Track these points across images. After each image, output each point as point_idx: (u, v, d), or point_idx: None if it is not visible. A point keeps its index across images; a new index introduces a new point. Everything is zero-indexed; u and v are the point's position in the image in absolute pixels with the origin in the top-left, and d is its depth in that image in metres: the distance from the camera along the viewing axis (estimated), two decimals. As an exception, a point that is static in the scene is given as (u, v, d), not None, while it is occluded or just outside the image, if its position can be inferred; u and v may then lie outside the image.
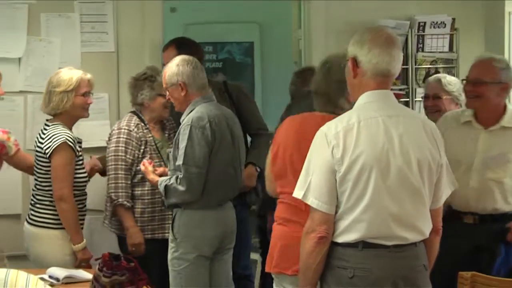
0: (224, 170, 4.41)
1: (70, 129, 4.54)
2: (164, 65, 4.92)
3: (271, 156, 3.74)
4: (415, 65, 5.66)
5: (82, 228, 4.58)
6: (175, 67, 4.41)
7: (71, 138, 4.44)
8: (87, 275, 4.03)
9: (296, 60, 6.65)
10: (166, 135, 4.89)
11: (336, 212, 3.14)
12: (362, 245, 3.11)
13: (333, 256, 3.16)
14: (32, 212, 4.55)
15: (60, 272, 4.05)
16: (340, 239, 3.14)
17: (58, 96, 4.46)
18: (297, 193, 3.19)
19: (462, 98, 4.53)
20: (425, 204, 3.13)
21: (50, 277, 4.02)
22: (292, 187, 3.34)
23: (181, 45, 5.11)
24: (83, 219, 4.62)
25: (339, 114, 3.31)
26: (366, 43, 3.19)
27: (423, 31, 5.64)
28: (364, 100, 3.20)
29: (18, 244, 4.70)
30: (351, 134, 3.10)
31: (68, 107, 4.47)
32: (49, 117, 4.59)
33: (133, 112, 4.82)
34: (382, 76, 3.17)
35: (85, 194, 4.62)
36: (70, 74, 4.51)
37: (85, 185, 4.60)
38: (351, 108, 3.31)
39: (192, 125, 4.31)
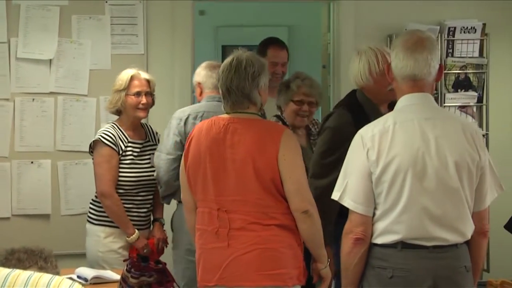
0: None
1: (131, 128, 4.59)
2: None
3: (183, 163, 3.66)
4: (445, 70, 5.62)
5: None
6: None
7: (108, 136, 4.47)
8: (115, 275, 4.06)
9: (324, 63, 6.63)
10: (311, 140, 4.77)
11: (374, 214, 3.15)
12: (401, 245, 3.11)
13: (372, 256, 3.18)
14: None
15: (88, 272, 4.08)
16: (379, 241, 3.15)
17: None
18: (334, 195, 3.22)
19: None
20: (465, 206, 3.11)
21: (79, 277, 4.05)
22: (205, 193, 3.49)
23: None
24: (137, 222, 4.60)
25: (251, 112, 3.52)
26: (395, 48, 3.23)
27: (453, 36, 5.61)
28: (402, 103, 3.22)
29: (48, 244, 4.73)
30: (386, 136, 3.12)
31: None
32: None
33: (277, 117, 4.76)
34: (411, 80, 3.19)
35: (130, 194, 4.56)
36: None
37: (133, 185, 4.54)
38: (261, 102, 3.54)
39: (173, 116, 4.45)
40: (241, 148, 3.46)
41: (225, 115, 3.59)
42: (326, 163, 3.80)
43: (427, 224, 3.08)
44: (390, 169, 3.09)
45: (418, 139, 3.09)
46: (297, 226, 3.47)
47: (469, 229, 3.14)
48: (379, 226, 3.14)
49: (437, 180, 3.07)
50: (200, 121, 4.31)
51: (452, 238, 3.10)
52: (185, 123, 4.41)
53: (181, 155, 4.38)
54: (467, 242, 3.17)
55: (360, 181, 3.15)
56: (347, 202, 3.17)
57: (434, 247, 3.08)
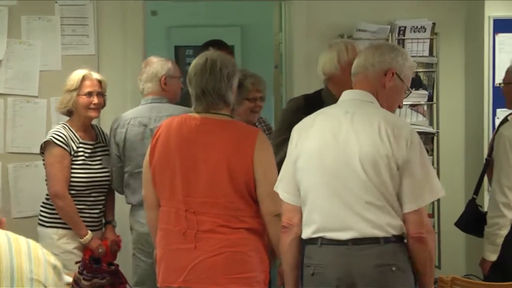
0: (138, 171, 4.45)
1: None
2: None
3: (148, 160, 3.62)
4: (396, 69, 5.66)
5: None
6: None
7: (60, 137, 4.44)
8: (67, 278, 4.01)
9: (277, 63, 6.65)
10: None
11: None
12: (320, 241, 3.14)
13: (303, 254, 3.22)
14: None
15: (40, 276, 4.03)
16: (304, 235, 3.21)
17: None
18: (275, 185, 3.31)
19: None
20: (381, 200, 3.07)
21: (30, 280, 4.00)
22: (172, 193, 3.47)
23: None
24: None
25: (224, 114, 3.51)
26: None
27: (404, 36, 5.66)
28: (340, 99, 3.33)
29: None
30: (307, 126, 3.25)
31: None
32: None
33: None
34: (353, 77, 3.33)
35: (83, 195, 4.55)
36: None
37: (85, 185, 4.53)
38: (233, 103, 3.58)
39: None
40: (215, 150, 3.45)
41: (196, 115, 3.55)
42: (275, 144, 3.92)
43: (339, 212, 3.10)
44: (302, 158, 3.19)
45: (331, 130, 3.16)
46: (267, 229, 3.48)
47: (392, 225, 3.09)
48: (303, 217, 3.21)
49: (344, 170, 3.10)
50: (126, 128, 4.45)
51: (368, 230, 3.08)
52: (114, 134, 4.51)
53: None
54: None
55: (288, 170, 3.27)
56: (279, 192, 3.28)
57: (354, 242, 3.08)
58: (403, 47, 5.66)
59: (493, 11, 5.71)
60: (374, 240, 3.08)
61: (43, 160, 4.53)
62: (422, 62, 5.70)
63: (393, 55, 3.26)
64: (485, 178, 4.77)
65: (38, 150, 4.58)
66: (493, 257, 4.34)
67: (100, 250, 4.47)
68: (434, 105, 5.77)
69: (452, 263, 5.59)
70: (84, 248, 4.49)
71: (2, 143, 5.27)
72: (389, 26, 5.65)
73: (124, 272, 4.08)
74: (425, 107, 5.75)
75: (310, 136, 3.20)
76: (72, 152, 4.47)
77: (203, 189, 3.45)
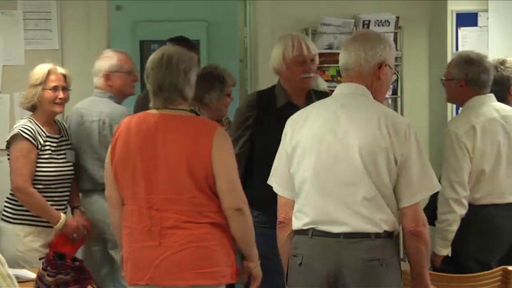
0: (78, 161, 4.67)
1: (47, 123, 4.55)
2: None
3: (109, 159, 3.57)
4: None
5: None
6: None
7: (28, 130, 4.41)
8: (31, 274, 3.99)
9: (242, 58, 6.66)
10: None
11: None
12: (312, 232, 3.15)
13: (291, 245, 3.24)
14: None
15: (3, 272, 4.01)
16: (294, 226, 3.21)
17: None
18: (268, 179, 3.34)
19: None
20: (376, 194, 3.10)
21: (-7, 277, 3.98)
22: (134, 191, 3.46)
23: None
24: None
25: (183, 109, 3.49)
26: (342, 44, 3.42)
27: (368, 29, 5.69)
28: (335, 92, 3.34)
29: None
30: (302, 119, 3.24)
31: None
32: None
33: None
34: (344, 70, 3.29)
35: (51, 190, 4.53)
36: None
37: (52, 180, 4.50)
38: (191, 97, 3.55)
39: None
40: (174, 146, 3.43)
41: (155, 111, 3.53)
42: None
43: (333, 207, 3.11)
44: (297, 150, 3.20)
45: (328, 122, 3.17)
46: (229, 224, 3.47)
47: (385, 220, 3.12)
48: (294, 209, 3.22)
49: (340, 165, 3.11)
50: (71, 118, 4.71)
51: (361, 225, 3.10)
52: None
53: None
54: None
55: (281, 163, 3.28)
56: (273, 185, 3.30)
57: (345, 236, 3.10)
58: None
59: (456, 5, 5.77)
60: (365, 235, 3.10)
61: (8, 154, 4.49)
62: (386, 56, 5.74)
63: (382, 46, 3.26)
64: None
65: (1, 145, 4.54)
66: (444, 252, 4.36)
67: (74, 235, 4.50)
68: (398, 99, 5.81)
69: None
70: (50, 244, 4.47)
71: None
72: (353, 20, 5.68)
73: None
74: (389, 101, 5.79)
75: (306, 129, 3.20)
76: (39, 146, 4.45)
77: (165, 186, 3.43)
